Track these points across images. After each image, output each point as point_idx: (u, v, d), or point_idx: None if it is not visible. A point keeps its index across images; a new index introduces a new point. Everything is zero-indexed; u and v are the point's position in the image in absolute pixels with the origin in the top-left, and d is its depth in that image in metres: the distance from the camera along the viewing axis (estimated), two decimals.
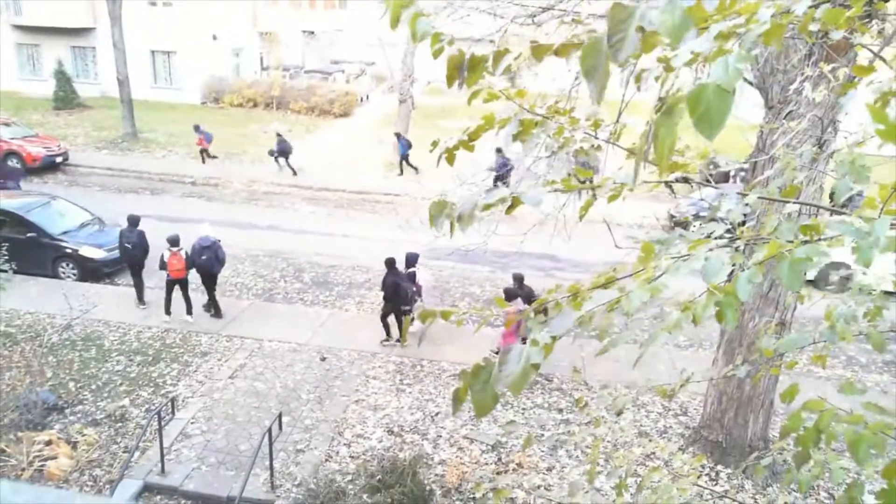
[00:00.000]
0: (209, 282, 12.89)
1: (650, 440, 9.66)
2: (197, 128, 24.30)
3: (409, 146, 23.58)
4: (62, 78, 32.43)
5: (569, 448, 9.54)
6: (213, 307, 13.12)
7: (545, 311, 2.08)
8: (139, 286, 13.29)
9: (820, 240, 1.74)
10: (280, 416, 9.68)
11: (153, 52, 34.93)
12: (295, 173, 23.65)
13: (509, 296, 11.13)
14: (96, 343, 11.98)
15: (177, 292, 12.69)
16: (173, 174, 23.10)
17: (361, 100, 36.98)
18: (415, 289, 12.03)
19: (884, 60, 3.00)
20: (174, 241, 12.35)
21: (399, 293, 11.83)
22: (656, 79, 2.25)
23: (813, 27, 2.88)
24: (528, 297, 11.25)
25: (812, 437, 2.25)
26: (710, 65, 1.39)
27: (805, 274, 1.70)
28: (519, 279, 11.64)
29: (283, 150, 23.82)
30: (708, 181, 2.80)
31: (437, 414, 10.32)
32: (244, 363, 11.52)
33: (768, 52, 6.99)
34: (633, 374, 10.96)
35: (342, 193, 22.11)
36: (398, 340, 12.22)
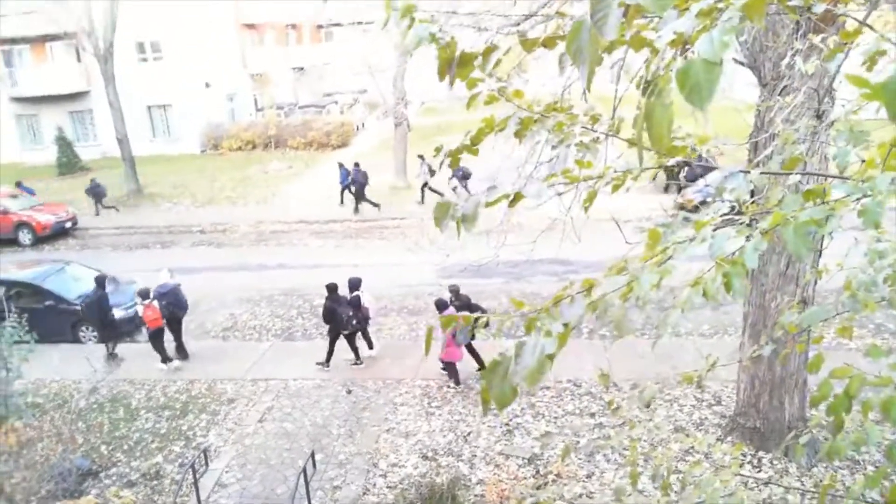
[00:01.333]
0: (173, 326, 13.15)
1: (687, 434, 9.51)
2: (19, 184, 25.50)
3: (349, 175, 23.34)
4: (63, 143, 32.98)
5: (606, 452, 9.41)
6: (180, 351, 13.39)
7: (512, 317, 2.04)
8: (105, 341, 13.68)
9: (824, 203, 1.71)
10: (313, 454, 9.62)
11: (149, 107, 35.44)
12: (98, 213, 24.39)
13: (440, 307, 11.25)
14: (123, 403, 12.00)
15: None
16: (181, 225, 23.30)
17: (358, 128, 37.27)
18: (351, 313, 12.08)
19: (870, 27, 2.96)
20: (145, 294, 12.73)
21: (335, 318, 11.98)
22: (646, 64, 2.24)
23: (795, 1, 2.86)
24: (467, 306, 11.31)
25: (843, 404, 2.20)
26: (696, 43, 1.38)
27: (812, 238, 1.68)
28: (454, 290, 11.80)
29: (96, 193, 24.51)
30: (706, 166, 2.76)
31: (469, 433, 10.23)
32: (271, 405, 11.50)
33: (756, 30, 6.97)
34: (661, 368, 10.89)
35: (349, 223, 22.19)
36: (327, 364, 12.45)
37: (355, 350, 12.47)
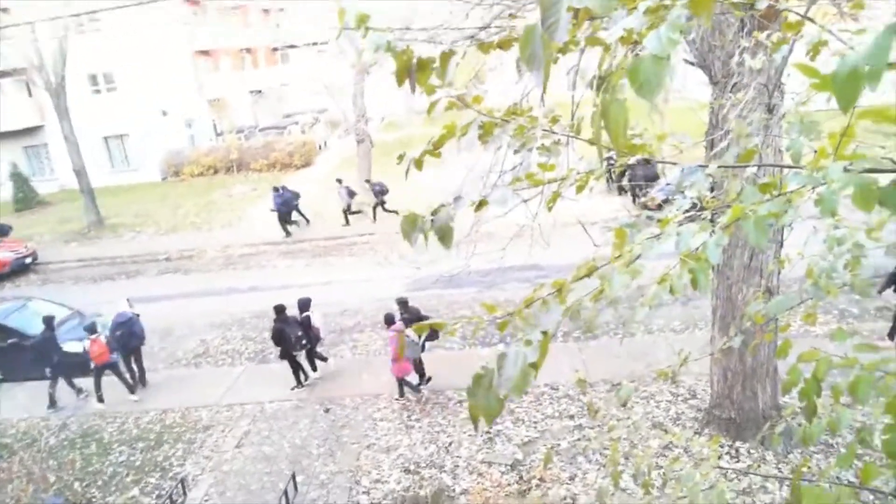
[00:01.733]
0: (130, 356, 12.98)
1: (665, 430, 9.63)
2: None
3: (297, 197, 23.02)
4: (19, 179, 32.26)
5: (587, 454, 9.48)
6: (140, 379, 13.23)
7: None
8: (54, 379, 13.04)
9: (780, 195, 1.77)
10: (293, 476, 9.51)
11: (105, 137, 34.89)
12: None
13: (388, 321, 11.39)
14: (95, 437, 11.72)
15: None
16: (146, 254, 22.90)
17: (320, 147, 37.13)
18: (300, 333, 12.11)
19: (811, 20, 3.08)
20: (91, 329, 12.59)
21: (284, 339, 11.96)
22: (599, 63, 2.30)
23: None
24: (416, 318, 11.41)
25: (813, 387, 2.26)
26: (644, 40, 1.43)
27: (771, 230, 1.74)
28: (402, 302, 11.80)
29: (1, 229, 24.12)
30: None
31: (450, 444, 10.21)
32: (248, 430, 11.34)
33: (703, 30, 7.15)
34: (636, 366, 11.02)
35: (318, 242, 22.05)
36: (299, 385, 12.40)
37: (296, 373, 12.43)
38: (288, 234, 22.51)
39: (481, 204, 2.17)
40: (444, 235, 2.22)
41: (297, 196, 22.87)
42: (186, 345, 15.10)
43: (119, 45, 31.98)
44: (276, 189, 22.64)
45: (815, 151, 2.47)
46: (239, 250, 22.24)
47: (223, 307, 17.00)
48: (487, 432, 10.28)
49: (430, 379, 11.71)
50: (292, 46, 44.63)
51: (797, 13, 3.10)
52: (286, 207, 22.30)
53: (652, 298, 1.92)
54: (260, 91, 44.41)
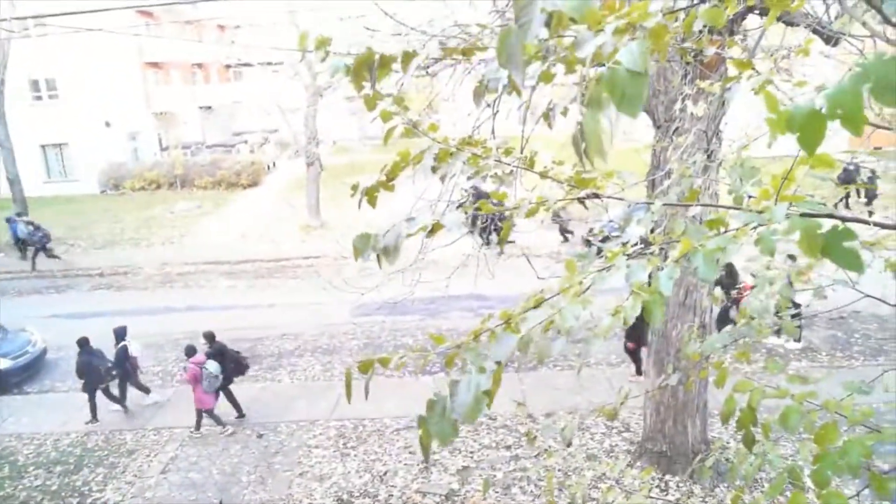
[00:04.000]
0: None
1: (599, 462, 9.74)
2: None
3: (35, 230, 22.59)
4: None
5: (522, 484, 9.49)
6: None
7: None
8: None
9: (726, 232, 1.84)
10: None
11: (43, 146, 33.72)
12: None
13: (189, 353, 11.43)
14: (9, 460, 11.08)
15: None
16: (77, 268, 22.03)
17: (268, 168, 36.69)
18: (109, 364, 11.97)
19: (753, 68, 3.26)
20: None
21: (91, 372, 11.72)
22: (563, 113, 2.36)
23: (687, 44, 3.10)
24: (220, 353, 11.49)
25: (749, 417, 2.34)
26: (619, 55, 1.47)
27: (718, 264, 1.81)
28: (209, 336, 11.81)
29: None
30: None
31: (385, 473, 10.06)
32: (175, 455, 10.92)
33: (649, 76, 7.45)
34: (575, 399, 11.14)
35: (261, 263, 21.66)
36: (94, 420, 12.03)
37: (94, 408, 12.02)
38: (29, 263, 22.16)
39: (434, 228, 2.18)
40: (391, 252, 2.21)
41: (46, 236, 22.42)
42: None
43: (65, 51, 31.08)
44: (8, 220, 22.64)
45: (750, 196, 2.59)
46: (178, 269, 21.63)
47: (158, 327, 16.44)
48: (424, 461, 10.18)
49: (243, 416, 11.81)
50: (246, 64, 44.26)
51: (741, 60, 3.28)
52: (14, 238, 22.32)
53: (607, 330, 1.96)
54: (210, 107, 43.75)
